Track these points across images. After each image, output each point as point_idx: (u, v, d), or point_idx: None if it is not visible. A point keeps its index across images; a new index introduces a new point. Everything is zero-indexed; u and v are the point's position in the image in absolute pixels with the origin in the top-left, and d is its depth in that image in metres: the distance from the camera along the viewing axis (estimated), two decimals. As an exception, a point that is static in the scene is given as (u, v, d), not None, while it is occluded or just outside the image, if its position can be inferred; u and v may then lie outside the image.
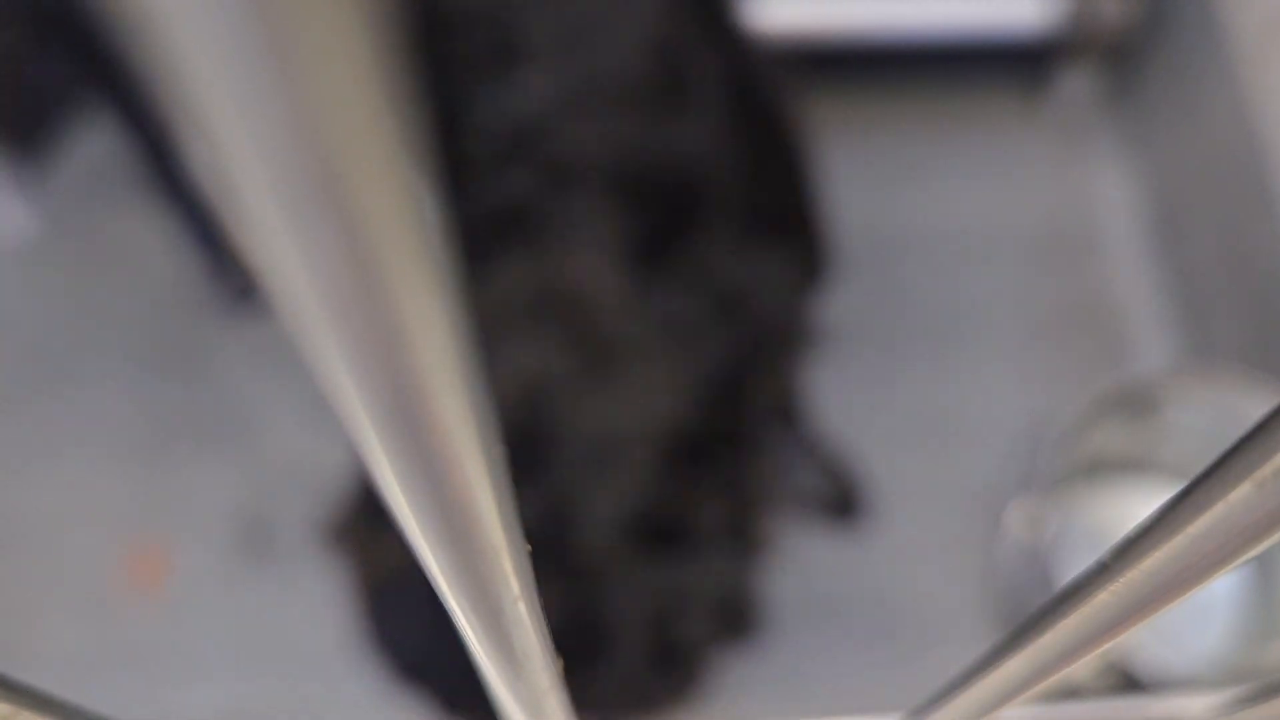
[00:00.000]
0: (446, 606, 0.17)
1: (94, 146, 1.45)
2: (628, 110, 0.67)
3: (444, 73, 0.68)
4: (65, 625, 1.20)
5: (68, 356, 1.35)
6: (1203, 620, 1.10)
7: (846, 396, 1.29)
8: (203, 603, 1.23)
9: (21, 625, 1.22)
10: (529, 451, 0.60)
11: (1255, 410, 1.04)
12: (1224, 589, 1.11)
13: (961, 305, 1.35)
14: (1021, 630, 0.25)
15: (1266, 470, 0.16)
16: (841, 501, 1.21)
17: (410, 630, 0.78)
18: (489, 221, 0.64)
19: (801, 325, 0.85)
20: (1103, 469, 1.11)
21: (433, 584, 0.16)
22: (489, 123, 0.65)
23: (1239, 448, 0.17)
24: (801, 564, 1.22)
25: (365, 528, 0.74)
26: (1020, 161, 1.45)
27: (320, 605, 1.21)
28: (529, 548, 0.16)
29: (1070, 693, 1.08)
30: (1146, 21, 1.35)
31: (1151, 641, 1.06)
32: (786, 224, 0.83)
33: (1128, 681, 1.05)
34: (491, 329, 0.60)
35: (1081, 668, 0.24)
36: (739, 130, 0.79)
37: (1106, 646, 0.23)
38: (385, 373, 0.11)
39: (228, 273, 1.34)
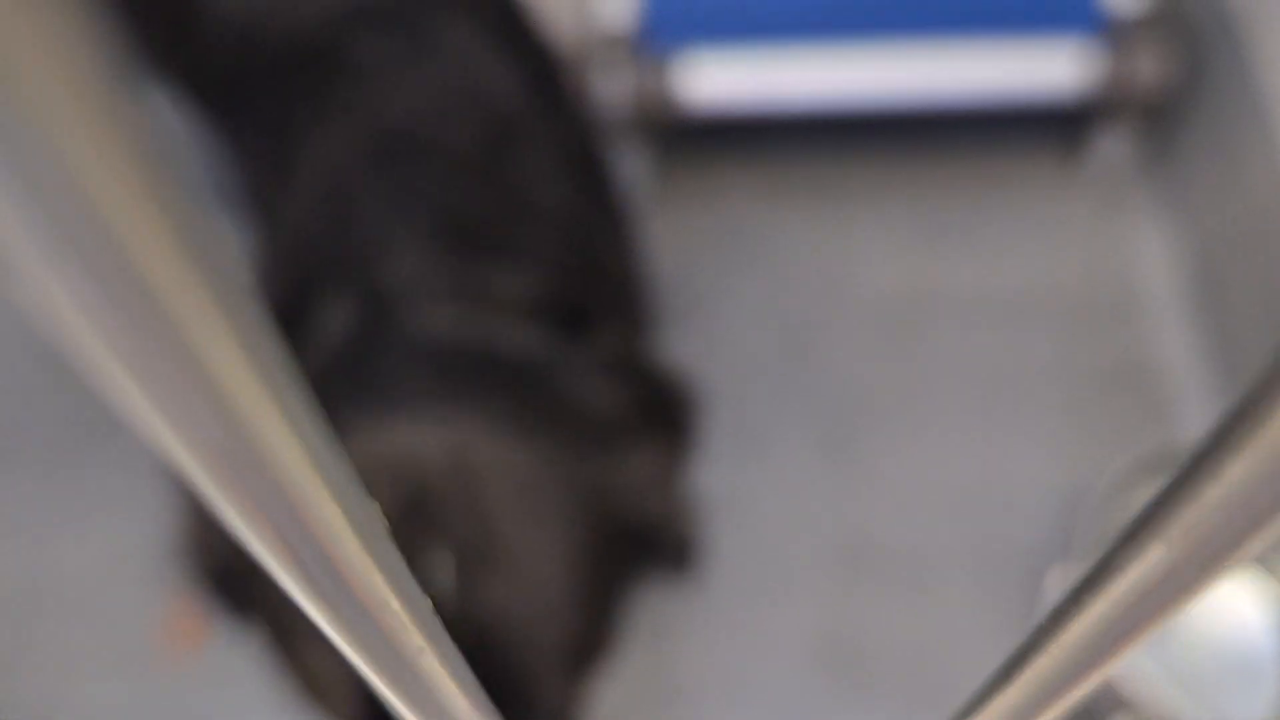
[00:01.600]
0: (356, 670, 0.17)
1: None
2: (458, 164, 0.68)
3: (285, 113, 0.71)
4: (105, 685, 1.21)
5: (104, 416, 1.38)
6: (1251, 685, 1.08)
7: (883, 458, 1.29)
8: (243, 666, 1.24)
9: (61, 684, 1.24)
10: None
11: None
12: (1273, 652, 1.08)
13: (999, 368, 1.34)
14: (979, 692, 0.24)
15: (1174, 530, 0.16)
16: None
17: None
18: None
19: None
20: (1142, 534, 1.09)
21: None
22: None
23: (1148, 511, 0.17)
24: (837, 627, 1.21)
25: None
26: (1057, 223, 1.44)
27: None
28: (429, 602, 0.17)
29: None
30: (1183, 82, 1.34)
31: (1197, 708, 1.03)
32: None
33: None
34: None
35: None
36: (572, 186, 0.78)
37: (1059, 708, 0.23)
38: (252, 482, 0.11)
39: None
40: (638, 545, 0.60)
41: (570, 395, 0.62)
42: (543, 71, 0.81)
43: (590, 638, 0.57)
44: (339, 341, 0.61)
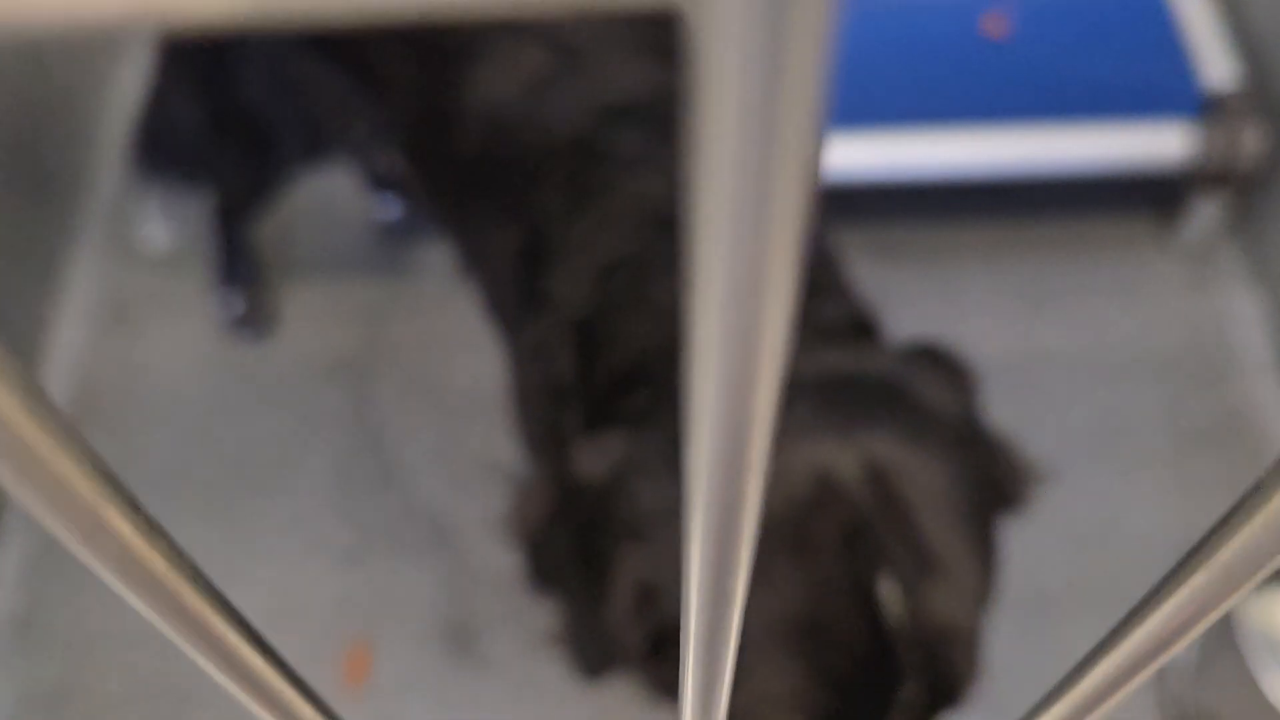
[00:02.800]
0: None
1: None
2: None
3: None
4: None
5: (268, 467, 1.46)
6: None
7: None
8: (408, 702, 1.31)
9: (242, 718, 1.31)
10: None
11: None
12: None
13: (1105, 423, 1.42)
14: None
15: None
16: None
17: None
18: None
19: None
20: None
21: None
22: None
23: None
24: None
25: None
26: (1156, 287, 1.53)
27: (521, 705, 1.30)
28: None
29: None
30: (1274, 156, 1.44)
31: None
32: None
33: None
34: None
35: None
36: None
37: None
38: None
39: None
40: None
41: (924, 399, 0.70)
42: None
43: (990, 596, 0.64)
44: None
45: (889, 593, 0.56)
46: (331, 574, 1.39)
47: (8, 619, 1.40)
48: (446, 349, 1.55)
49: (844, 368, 0.71)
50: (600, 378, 0.75)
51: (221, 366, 1.54)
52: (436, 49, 0.96)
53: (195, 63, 1.20)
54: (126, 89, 1.81)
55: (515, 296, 0.85)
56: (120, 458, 1.47)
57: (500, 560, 1.39)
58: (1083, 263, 1.56)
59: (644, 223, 0.79)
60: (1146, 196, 1.57)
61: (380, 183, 1.61)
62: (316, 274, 1.62)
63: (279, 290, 1.60)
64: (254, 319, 1.56)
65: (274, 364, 1.54)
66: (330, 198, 1.66)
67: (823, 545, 0.56)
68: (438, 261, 1.61)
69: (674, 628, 0.61)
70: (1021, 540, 1.36)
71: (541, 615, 1.36)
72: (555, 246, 0.82)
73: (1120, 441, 1.41)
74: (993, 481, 0.65)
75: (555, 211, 0.83)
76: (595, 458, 0.64)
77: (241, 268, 1.55)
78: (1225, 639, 1.11)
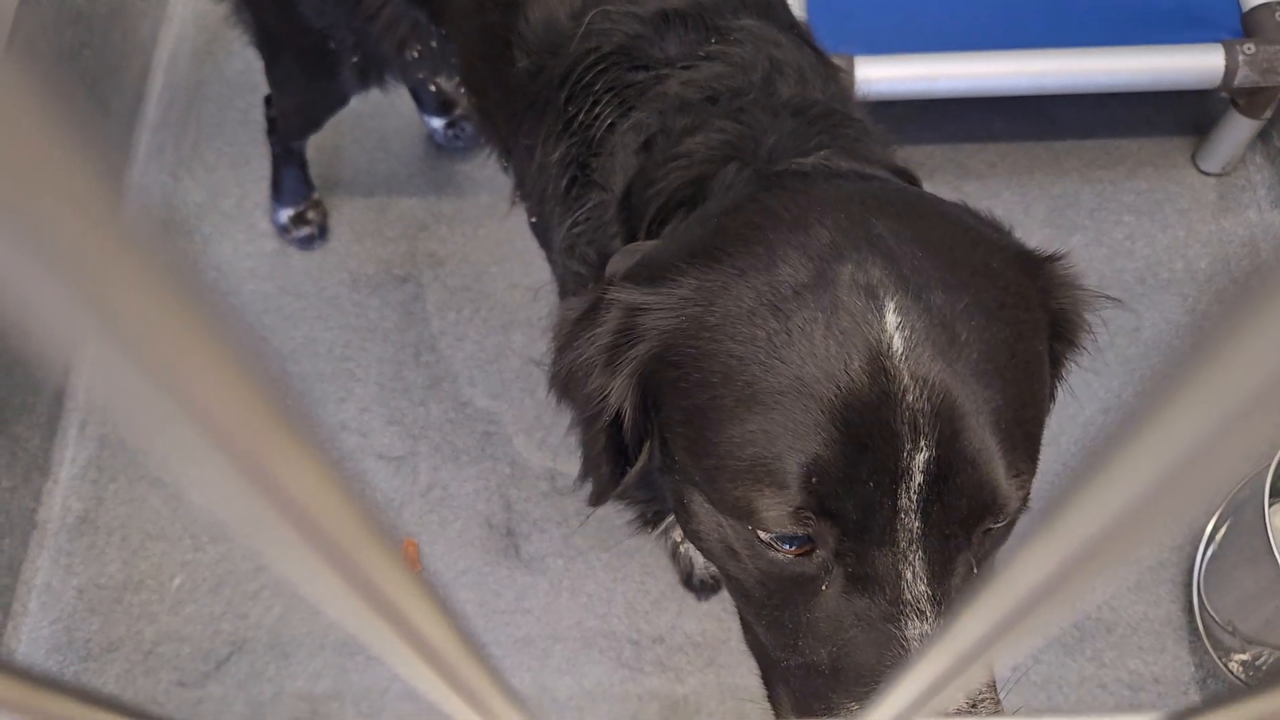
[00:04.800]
0: None
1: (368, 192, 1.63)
2: None
3: None
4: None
5: (319, 375, 1.50)
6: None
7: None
8: (451, 597, 1.36)
9: (290, 614, 1.37)
10: None
11: None
12: None
13: (1145, 333, 1.45)
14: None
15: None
16: None
17: None
18: None
19: None
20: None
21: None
22: None
23: None
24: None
25: None
26: (1186, 204, 1.55)
27: (559, 600, 1.35)
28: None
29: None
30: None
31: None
32: None
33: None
34: None
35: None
36: None
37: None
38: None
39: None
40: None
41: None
42: (796, 31, 0.94)
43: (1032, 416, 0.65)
44: (746, 184, 0.74)
45: (908, 366, 0.57)
46: (381, 478, 1.44)
47: (69, 516, 1.45)
48: (494, 262, 1.58)
49: (855, 168, 0.78)
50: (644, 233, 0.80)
51: (272, 278, 1.58)
52: None
53: None
54: (176, 3, 1.83)
55: (558, 210, 0.89)
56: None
57: (544, 464, 1.44)
58: (1114, 182, 1.57)
59: (679, 105, 0.84)
60: (1180, 115, 1.59)
61: (431, 101, 1.63)
62: (367, 189, 1.65)
63: (330, 204, 1.63)
64: (305, 231, 1.59)
65: (324, 275, 1.57)
66: (382, 116, 1.68)
67: (846, 310, 0.59)
68: (483, 178, 1.64)
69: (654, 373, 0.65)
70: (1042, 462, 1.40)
71: (580, 516, 1.41)
72: (599, 147, 0.87)
73: (1147, 362, 1.43)
74: (1044, 301, 0.67)
75: (600, 115, 0.88)
76: (620, 258, 0.69)
77: (293, 181, 1.58)
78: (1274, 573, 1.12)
